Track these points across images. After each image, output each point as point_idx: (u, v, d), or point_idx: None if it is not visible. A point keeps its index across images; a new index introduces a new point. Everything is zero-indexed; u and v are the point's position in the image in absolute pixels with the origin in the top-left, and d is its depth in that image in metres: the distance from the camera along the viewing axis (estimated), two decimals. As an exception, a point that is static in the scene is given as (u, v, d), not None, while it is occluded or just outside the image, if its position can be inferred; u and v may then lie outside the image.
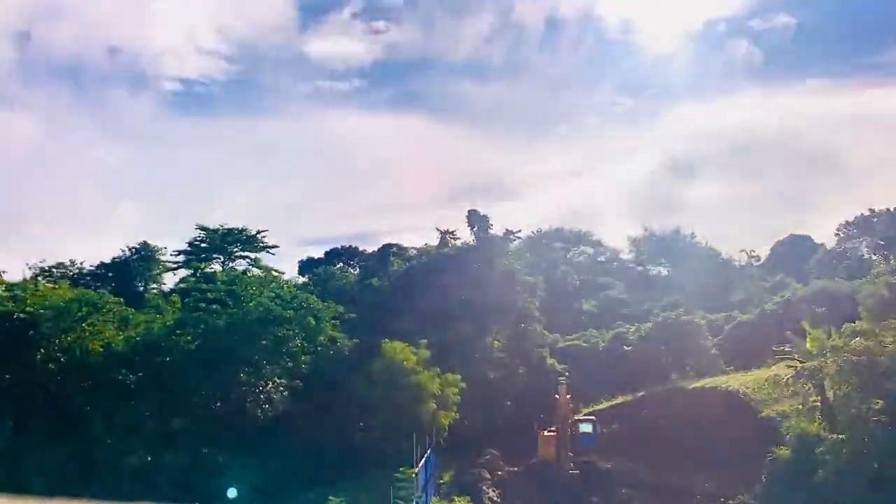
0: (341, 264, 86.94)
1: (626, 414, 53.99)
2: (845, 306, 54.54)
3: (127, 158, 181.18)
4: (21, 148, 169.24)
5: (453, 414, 50.60)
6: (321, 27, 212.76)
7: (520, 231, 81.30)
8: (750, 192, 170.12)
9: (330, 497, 38.23)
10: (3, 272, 55.06)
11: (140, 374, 45.59)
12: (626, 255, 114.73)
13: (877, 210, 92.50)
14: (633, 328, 66.48)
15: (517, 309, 64.33)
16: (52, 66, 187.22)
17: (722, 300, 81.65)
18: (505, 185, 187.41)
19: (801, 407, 43.25)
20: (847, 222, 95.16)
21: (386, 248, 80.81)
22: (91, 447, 42.63)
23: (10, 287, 49.20)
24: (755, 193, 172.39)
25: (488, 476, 48.20)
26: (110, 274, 72.80)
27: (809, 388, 43.09)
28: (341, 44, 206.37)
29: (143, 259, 74.82)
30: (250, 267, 72.59)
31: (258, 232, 75.81)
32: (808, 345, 44.47)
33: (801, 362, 44.39)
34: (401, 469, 37.78)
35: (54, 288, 49.47)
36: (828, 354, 41.26)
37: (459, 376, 52.28)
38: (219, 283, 53.63)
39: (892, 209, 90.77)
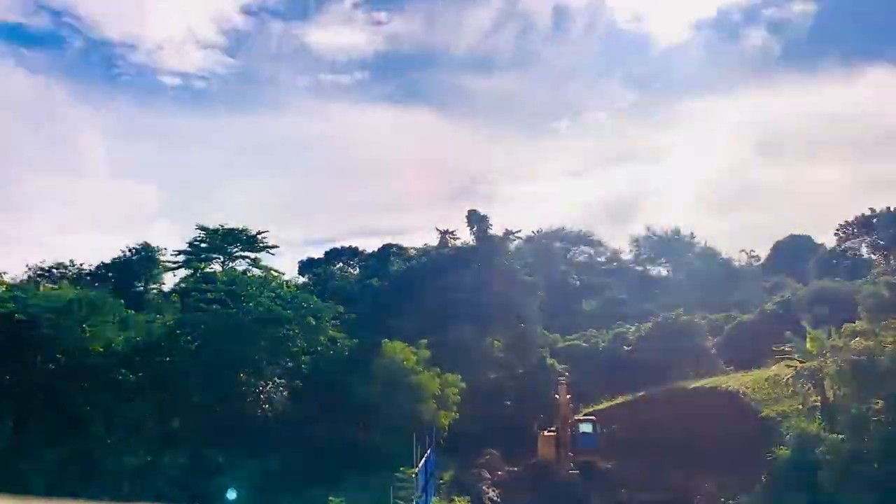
0: (341, 264, 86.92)
1: (626, 414, 53.98)
2: (845, 306, 54.58)
3: (119, 155, 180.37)
4: (17, 142, 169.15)
5: (453, 414, 50.63)
6: (322, 17, 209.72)
7: (520, 231, 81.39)
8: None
9: (330, 497, 38.26)
10: (4, 272, 55.12)
11: (140, 374, 45.55)
12: (626, 256, 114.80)
13: (877, 210, 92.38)
14: (633, 328, 66.53)
15: (517, 309, 64.38)
16: (49, 58, 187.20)
17: (722, 300, 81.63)
18: (511, 180, 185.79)
19: (801, 407, 43.31)
20: (847, 222, 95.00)
21: (386, 248, 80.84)
22: (91, 447, 42.57)
23: (11, 287, 49.17)
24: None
25: (488, 476, 48.22)
26: (110, 274, 72.64)
27: (809, 388, 43.13)
28: (342, 34, 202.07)
29: (143, 259, 74.68)
30: (250, 267, 72.55)
31: (258, 232, 75.67)
32: (808, 345, 44.52)
33: (801, 362, 44.44)
34: (401, 469, 37.79)
35: (54, 288, 49.44)
36: (828, 354, 41.35)
37: (459, 376, 52.33)
38: (219, 283, 53.60)
39: (892, 209, 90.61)
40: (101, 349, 45.72)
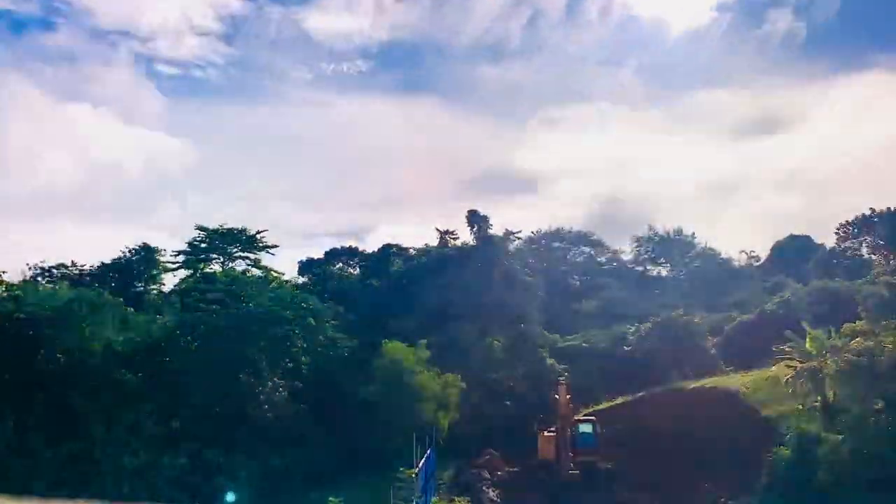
0: (341, 264, 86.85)
1: (626, 414, 53.90)
2: (845, 306, 54.62)
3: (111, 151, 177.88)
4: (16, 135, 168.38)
5: (453, 414, 50.61)
6: (323, 1, 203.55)
7: (520, 231, 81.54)
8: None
9: (330, 497, 38.22)
10: (4, 272, 55.08)
11: (140, 374, 45.59)
12: (626, 256, 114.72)
13: (877, 210, 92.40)
14: (633, 328, 66.47)
15: (517, 309, 64.37)
16: (46, 50, 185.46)
17: (722, 300, 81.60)
18: (520, 174, 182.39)
19: (801, 407, 43.32)
20: (847, 222, 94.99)
21: (386, 248, 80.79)
22: (91, 447, 42.63)
23: (11, 287, 49.17)
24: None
25: (488, 476, 48.14)
26: (111, 274, 72.73)
27: (809, 388, 43.13)
28: (344, 20, 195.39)
29: (143, 259, 74.71)
30: (250, 267, 72.58)
31: (258, 232, 75.75)
32: (808, 345, 44.54)
33: (801, 362, 44.44)
34: (401, 469, 37.75)
35: (55, 289, 49.46)
36: (828, 354, 41.38)
37: (459, 376, 52.30)
38: (219, 283, 53.64)
39: (892, 209, 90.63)
40: (101, 349, 45.75)
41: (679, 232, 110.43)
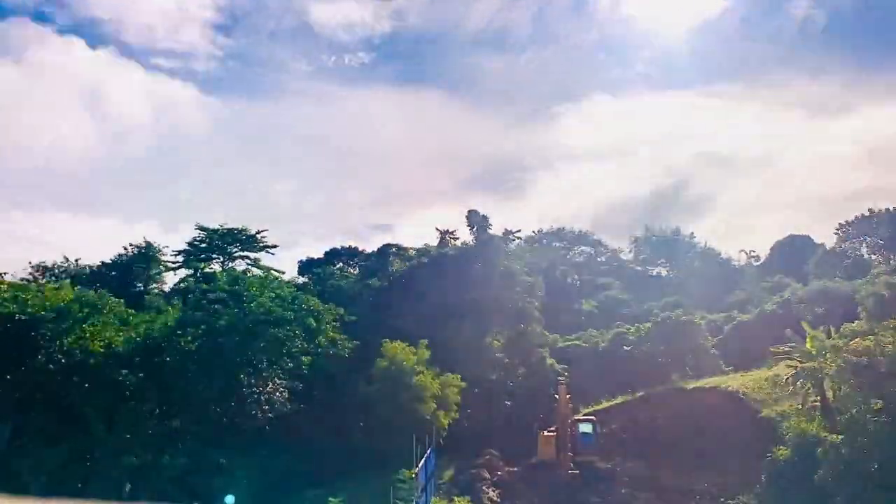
0: (341, 264, 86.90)
1: (626, 414, 53.94)
2: (845, 306, 54.62)
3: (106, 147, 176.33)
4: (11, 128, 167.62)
5: (453, 414, 50.64)
6: None
7: (520, 231, 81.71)
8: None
9: (330, 497, 38.28)
10: (4, 273, 55.13)
11: (140, 374, 45.52)
12: (626, 256, 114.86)
13: (876, 210, 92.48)
14: (633, 328, 66.44)
15: (517, 309, 64.34)
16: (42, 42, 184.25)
17: (722, 300, 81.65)
18: (527, 168, 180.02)
19: (801, 407, 43.33)
20: (847, 222, 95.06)
21: (386, 248, 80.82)
22: (91, 447, 42.64)
23: (11, 287, 49.16)
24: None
25: (488, 476, 48.18)
26: (111, 274, 72.79)
27: (809, 388, 43.15)
28: (345, 9, 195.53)
29: (143, 259, 74.79)
30: (250, 267, 72.63)
31: (258, 232, 75.88)
32: (807, 345, 44.55)
33: (800, 362, 44.45)
34: (401, 469, 37.79)
35: (55, 289, 49.43)
36: (827, 354, 41.35)
37: (459, 376, 52.32)
38: (219, 283, 53.61)
39: (892, 209, 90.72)
40: (101, 349, 45.72)
41: (677, 232, 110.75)
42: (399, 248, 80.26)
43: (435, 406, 48.71)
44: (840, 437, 37.03)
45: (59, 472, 40.75)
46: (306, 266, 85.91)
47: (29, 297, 46.38)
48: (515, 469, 49.80)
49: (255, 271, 69.16)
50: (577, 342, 68.94)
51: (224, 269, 68.15)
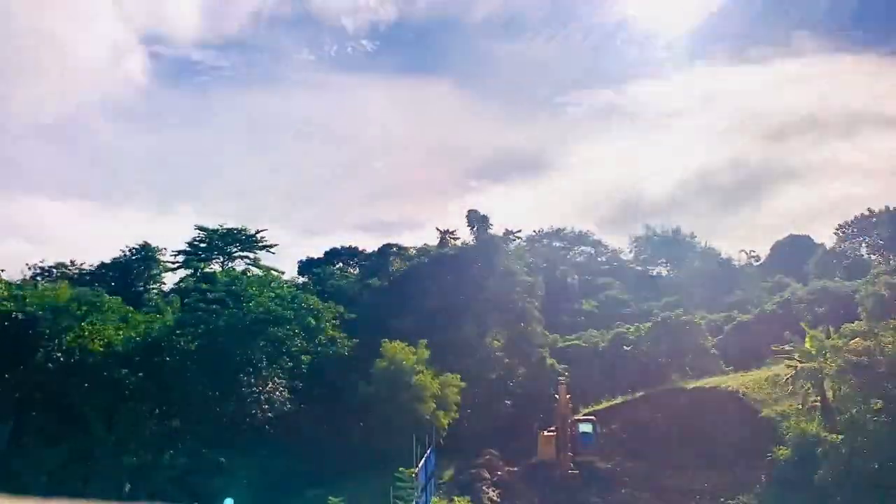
0: (341, 264, 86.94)
1: (626, 414, 53.89)
2: (845, 306, 54.57)
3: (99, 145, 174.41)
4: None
5: (453, 414, 50.59)
6: None
7: (520, 231, 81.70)
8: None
9: (330, 497, 38.21)
10: (3, 271, 55.05)
11: (140, 373, 45.55)
12: (626, 256, 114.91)
13: (876, 210, 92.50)
14: (633, 328, 66.44)
15: (517, 309, 64.28)
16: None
17: (722, 300, 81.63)
18: (536, 160, 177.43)
19: (801, 407, 43.31)
20: (847, 222, 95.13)
21: (386, 248, 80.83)
22: (91, 447, 42.62)
23: (10, 287, 49.16)
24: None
25: (488, 476, 48.14)
26: (111, 274, 72.82)
27: (809, 388, 43.13)
28: None
29: (143, 259, 74.82)
30: (250, 267, 72.68)
31: (257, 232, 75.99)
32: (807, 345, 44.53)
33: (800, 362, 44.44)
34: (401, 469, 37.76)
35: (54, 288, 49.43)
36: (827, 354, 41.33)
37: (459, 376, 52.28)
38: (219, 283, 53.65)
39: (891, 209, 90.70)
40: (101, 349, 45.75)
41: (677, 232, 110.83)
42: (399, 247, 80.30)
43: (435, 406, 48.67)
44: (840, 437, 37.04)
45: (59, 472, 40.74)
46: (306, 266, 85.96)
47: (27, 295, 46.39)
48: (515, 469, 49.77)
49: (255, 271, 69.26)
50: (577, 342, 68.90)
51: (223, 269, 68.20)
